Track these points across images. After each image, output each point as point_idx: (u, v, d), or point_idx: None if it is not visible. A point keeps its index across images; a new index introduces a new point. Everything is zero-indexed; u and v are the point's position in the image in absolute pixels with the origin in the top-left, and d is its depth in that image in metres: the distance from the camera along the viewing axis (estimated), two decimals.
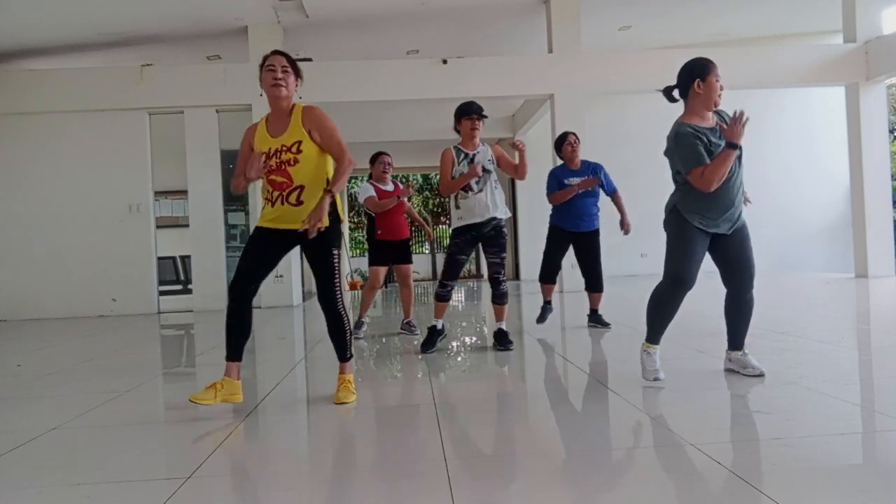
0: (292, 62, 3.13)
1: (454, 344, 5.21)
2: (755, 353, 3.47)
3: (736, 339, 3.38)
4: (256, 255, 3.13)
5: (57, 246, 8.86)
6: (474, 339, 5.49)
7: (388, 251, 5.44)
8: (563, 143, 5.30)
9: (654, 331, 3.33)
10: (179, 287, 11.66)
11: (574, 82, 9.18)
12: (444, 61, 9.07)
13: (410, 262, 5.58)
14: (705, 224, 3.17)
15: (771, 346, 4.13)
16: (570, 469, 2.21)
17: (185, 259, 11.16)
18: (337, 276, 3.17)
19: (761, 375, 3.27)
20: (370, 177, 5.61)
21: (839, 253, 11.86)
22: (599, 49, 10.19)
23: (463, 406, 3.20)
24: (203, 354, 5.36)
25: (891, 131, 12.49)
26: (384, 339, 5.45)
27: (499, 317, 4.61)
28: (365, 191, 5.41)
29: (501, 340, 4.54)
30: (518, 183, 12.74)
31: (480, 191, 4.36)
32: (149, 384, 4.00)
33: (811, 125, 12.28)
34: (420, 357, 4.46)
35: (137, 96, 8.86)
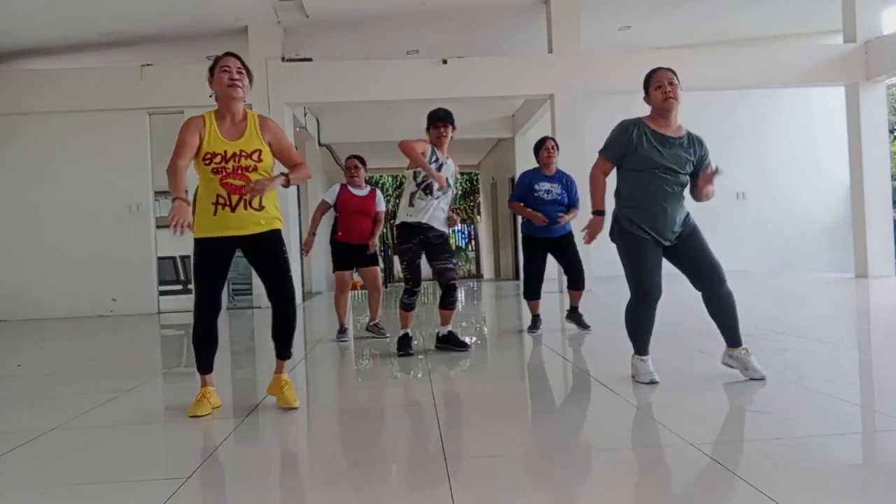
0: (246, 66, 3.14)
1: None
2: (755, 354, 3.46)
3: (730, 336, 3.32)
4: (214, 272, 3.09)
5: (57, 246, 8.86)
6: (474, 339, 5.49)
7: (349, 254, 5.41)
8: (542, 148, 5.30)
9: (639, 343, 3.36)
10: (179, 287, 11.66)
11: (574, 82, 9.18)
12: (444, 61, 9.07)
13: (376, 264, 5.54)
14: (645, 234, 3.22)
15: (771, 346, 4.13)
16: (569, 469, 2.21)
17: (185, 259, 11.16)
18: (290, 271, 3.17)
19: (762, 379, 3.21)
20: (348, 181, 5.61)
21: (839, 253, 11.85)
22: (599, 49, 10.19)
23: (463, 406, 3.20)
24: None
25: (891, 131, 12.49)
26: (386, 341, 5.45)
27: (447, 321, 4.61)
28: (330, 194, 5.47)
29: (455, 341, 4.57)
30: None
31: (438, 198, 4.39)
32: (149, 384, 4.00)
33: (811, 125, 12.28)
34: (420, 357, 4.47)
35: (137, 96, 8.86)
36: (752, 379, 3.25)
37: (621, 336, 4.90)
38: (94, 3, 8.01)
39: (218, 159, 3.01)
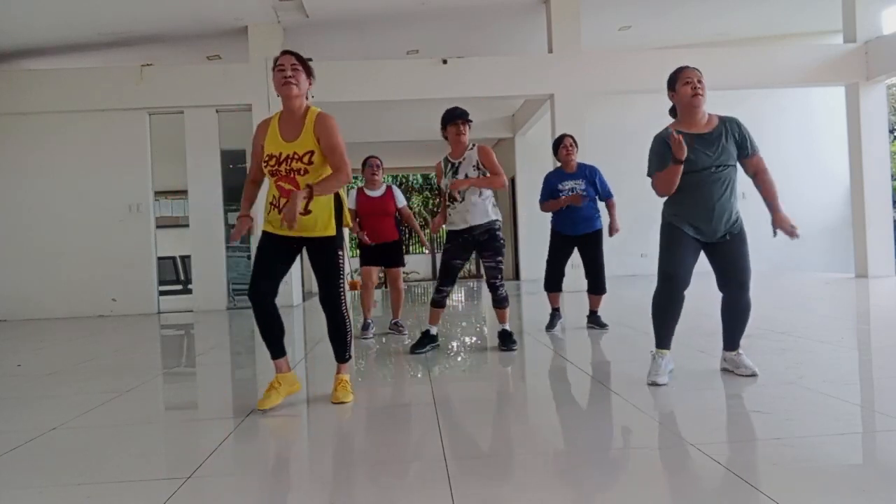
0: (302, 60, 3.11)
1: (454, 344, 5.20)
2: (755, 353, 3.47)
3: (730, 340, 3.42)
4: (268, 256, 3.14)
5: (57, 246, 8.86)
6: (474, 339, 5.49)
7: (376, 253, 5.53)
8: (559, 146, 5.31)
9: (659, 334, 3.36)
10: (179, 287, 11.66)
11: (574, 82, 9.18)
12: (444, 61, 9.07)
13: (399, 265, 5.61)
14: (692, 231, 3.25)
15: (771, 346, 4.13)
16: (569, 469, 2.21)
17: (185, 259, 11.17)
18: (341, 277, 3.18)
19: (754, 375, 3.29)
20: (365, 182, 5.67)
21: (839, 253, 11.85)
22: (599, 49, 10.19)
23: (463, 406, 3.20)
24: (203, 354, 5.37)
25: (891, 131, 12.49)
26: (384, 339, 5.45)
27: (501, 319, 4.61)
28: (350, 200, 5.55)
29: (505, 341, 4.55)
30: (518, 184, 12.74)
31: (462, 200, 4.39)
32: (149, 384, 4.00)
33: (811, 125, 12.28)
34: (421, 357, 4.46)
35: (137, 96, 8.86)
36: (744, 376, 3.31)
37: (622, 336, 4.92)
38: (94, 3, 8.01)
39: (273, 162, 3.05)
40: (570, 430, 2.70)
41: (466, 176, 4.37)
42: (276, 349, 3.22)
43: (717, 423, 2.68)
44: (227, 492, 2.19)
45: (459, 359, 4.52)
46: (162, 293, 9.36)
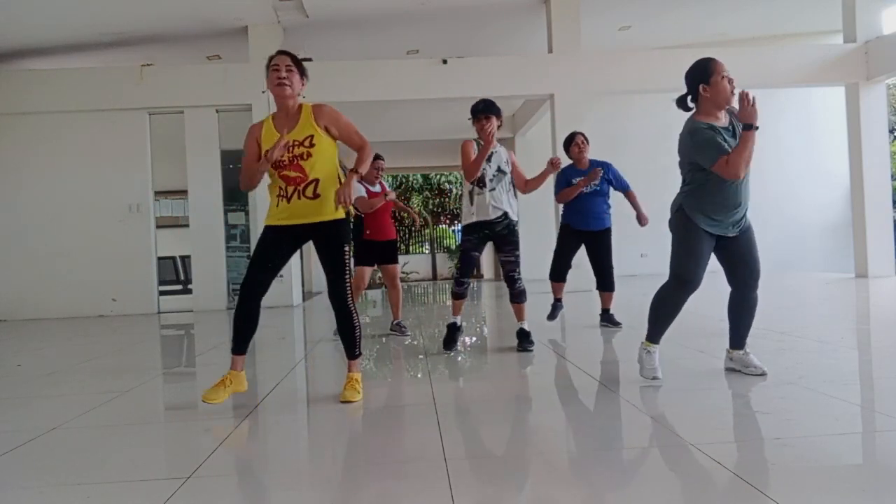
0: (297, 61, 3.16)
1: None
2: (755, 353, 3.46)
3: (738, 338, 3.40)
4: (268, 252, 3.16)
5: (57, 246, 8.86)
6: (474, 338, 5.49)
7: (375, 251, 5.53)
8: (571, 144, 5.34)
9: (656, 330, 3.34)
10: (179, 287, 11.67)
11: (574, 82, 9.18)
12: (444, 61, 9.07)
13: (396, 262, 5.65)
14: (711, 226, 3.17)
15: (771, 346, 4.13)
16: (570, 469, 2.21)
17: (185, 259, 11.17)
18: (348, 272, 3.20)
19: (763, 374, 3.28)
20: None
21: (839, 253, 11.85)
22: (599, 49, 10.19)
23: (463, 406, 3.20)
24: (203, 354, 5.37)
25: (891, 131, 12.49)
26: (384, 339, 5.45)
27: (519, 316, 4.54)
28: (356, 191, 5.49)
29: (523, 341, 4.49)
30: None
31: (493, 189, 4.36)
32: (149, 384, 4.00)
33: (811, 125, 12.29)
34: (420, 357, 4.47)
35: (137, 96, 8.86)
36: (753, 375, 3.30)
37: (621, 336, 4.92)
38: (94, 3, 8.01)
39: (286, 144, 3.08)
40: (569, 430, 2.70)
41: (499, 168, 4.37)
42: (242, 346, 3.22)
43: (718, 423, 2.68)
44: (227, 492, 2.19)
45: (461, 359, 4.52)
46: (162, 293, 9.36)
